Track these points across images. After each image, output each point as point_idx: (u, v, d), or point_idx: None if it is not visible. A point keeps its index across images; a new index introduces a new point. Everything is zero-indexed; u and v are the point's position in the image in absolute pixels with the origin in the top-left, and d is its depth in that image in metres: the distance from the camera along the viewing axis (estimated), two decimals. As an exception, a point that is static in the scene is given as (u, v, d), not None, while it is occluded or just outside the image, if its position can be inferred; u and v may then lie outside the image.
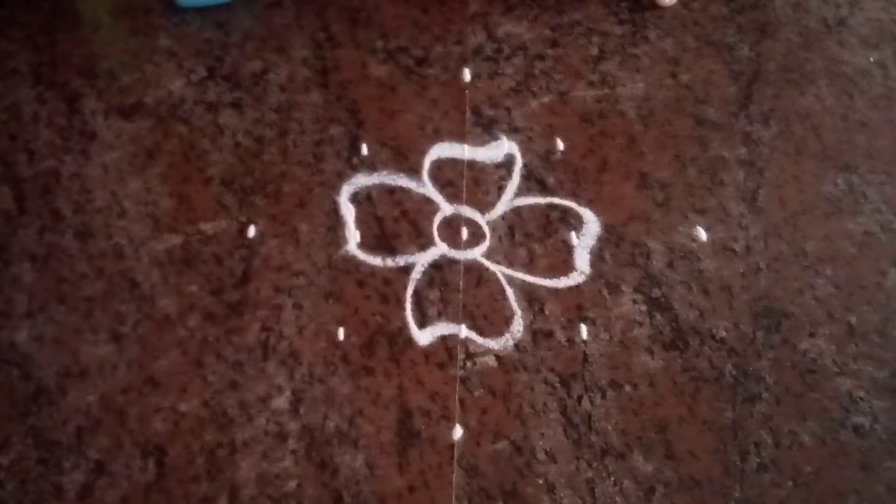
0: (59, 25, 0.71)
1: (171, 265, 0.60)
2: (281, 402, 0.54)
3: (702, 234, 0.62)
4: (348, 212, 0.62)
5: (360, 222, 0.62)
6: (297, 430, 0.53)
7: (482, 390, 0.55)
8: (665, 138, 0.67)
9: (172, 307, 0.58)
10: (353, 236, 0.61)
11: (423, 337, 0.57)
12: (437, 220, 0.62)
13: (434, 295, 0.59)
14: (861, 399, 0.55)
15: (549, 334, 0.57)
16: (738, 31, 0.73)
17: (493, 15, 0.74)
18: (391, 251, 0.61)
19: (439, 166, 0.65)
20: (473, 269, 0.60)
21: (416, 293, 0.59)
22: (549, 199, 0.63)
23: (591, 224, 0.62)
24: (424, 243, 0.61)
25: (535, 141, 0.66)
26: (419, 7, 0.74)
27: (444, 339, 0.57)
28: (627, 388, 0.55)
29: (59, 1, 0.73)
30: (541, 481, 0.52)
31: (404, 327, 0.57)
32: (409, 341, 0.57)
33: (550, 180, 0.64)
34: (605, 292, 0.59)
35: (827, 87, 0.70)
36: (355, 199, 0.63)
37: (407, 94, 0.69)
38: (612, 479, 0.52)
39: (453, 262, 0.60)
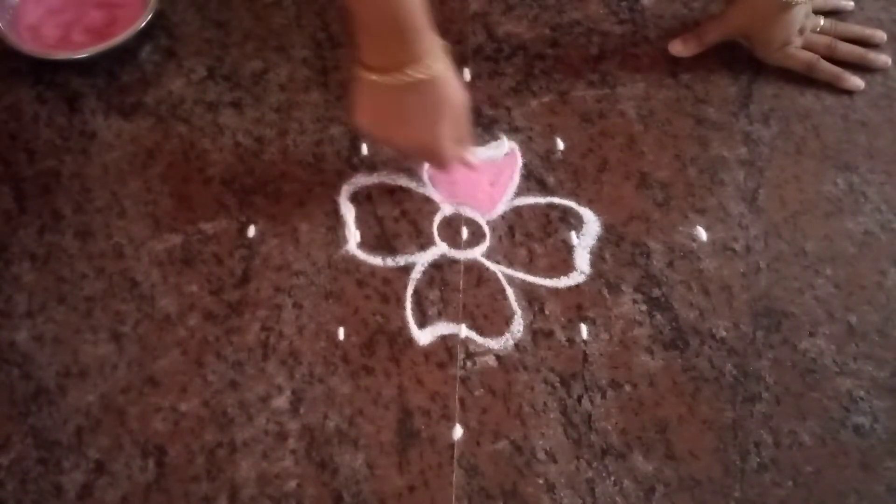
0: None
1: (171, 265, 0.60)
2: (281, 401, 0.54)
3: (702, 234, 0.62)
4: (348, 211, 0.62)
5: (360, 222, 0.62)
6: (297, 429, 0.53)
7: (482, 390, 0.55)
8: (665, 138, 0.67)
9: (172, 307, 0.58)
10: (353, 236, 0.61)
11: (423, 337, 0.57)
12: (437, 219, 0.62)
13: (434, 295, 0.59)
14: (861, 399, 0.55)
15: (549, 334, 0.57)
16: (738, 31, 0.72)
17: (493, 15, 0.74)
18: (391, 251, 0.61)
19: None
20: (473, 268, 0.60)
21: (416, 293, 0.59)
22: (549, 199, 0.63)
23: (592, 224, 0.62)
24: (424, 243, 0.61)
25: (536, 140, 0.66)
26: (419, 7, 0.74)
27: (444, 339, 0.57)
28: (627, 387, 0.55)
29: None
30: (541, 481, 0.52)
31: (404, 327, 0.57)
32: (409, 341, 0.57)
33: (550, 180, 0.64)
34: (605, 292, 0.59)
35: (827, 87, 0.70)
36: (355, 198, 0.63)
37: (407, 94, 0.68)
38: (613, 478, 0.52)
39: (453, 261, 0.60)
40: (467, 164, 0.60)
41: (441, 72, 0.52)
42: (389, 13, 0.49)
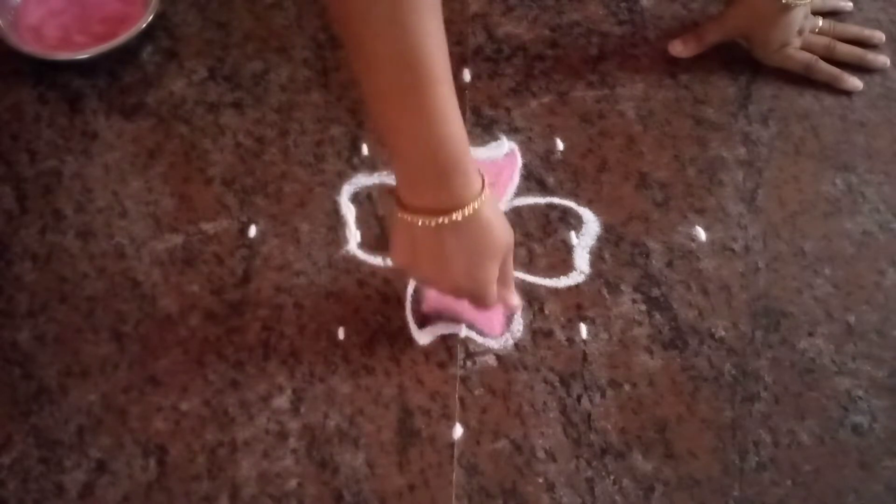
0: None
1: (172, 265, 0.60)
2: (282, 401, 0.54)
3: (701, 234, 0.62)
4: (349, 212, 0.63)
5: (361, 222, 0.62)
6: (297, 429, 0.53)
7: (482, 389, 0.55)
8: (664, 138, 0.67)
9: (173, 306, 0.58)
10: (353, 236, 0.61)
11: (423, 336, 0.57)
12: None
13: (434, 294, 0.59)
14: (860, 398, 0.55)
15: (549, 333, 0.57)
16: (737, 32, 0.73)
17: (492, 15, 0.74)
18: (391, 251, 0.61)
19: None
20: (473, 268, 0.60)
21: (416, 292, 0.59)
22: (548, 199, 0.64)
23: (591, 224, 0.62)
24: (424, 243, 0.61)
25: (535, 141, 0.67)
26: (419, 8, 0.74)
27: (443, 339, 0.57)
28: (627, 387, 0.55)
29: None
30: (540, 480, 0.52)
31: (404, 327, 0.57)
32: (410, 341, 0.57)
33: (550, 180, 0.65)
34: (604, 292, 0.59)
35: (826, 88, 0.70)
36: (356, 198, 0.63)
37: (407, 95, 0.69)
38: (612, 477, 0.52)
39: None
40: (510, 306, 0.55)
41: (486, 212, 0.46)
42: (432, 153, 0.44)
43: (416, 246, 0.48)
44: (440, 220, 0.45)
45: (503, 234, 0.49)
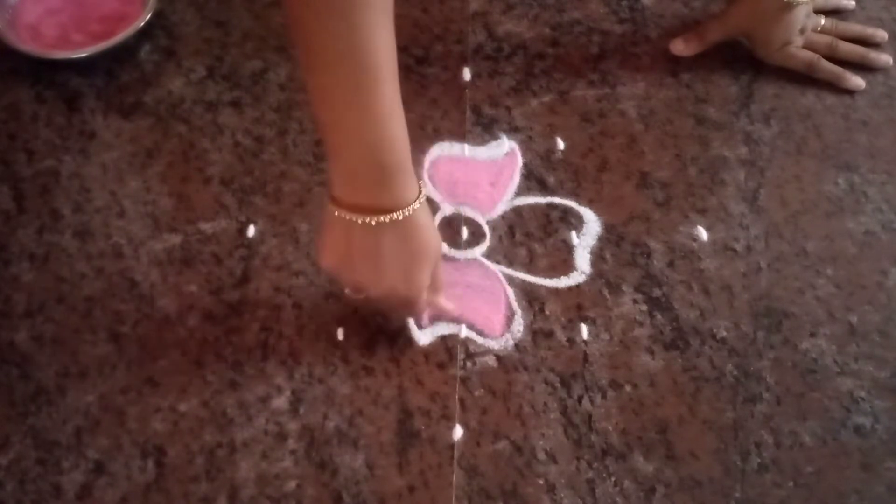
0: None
1: (170, 265, 0.60)
2: (280, 402, 0.54)
3: (702, 234, 0.62)
4: (348, 211, 0.62)
5: (360, 222, 0.62)
6: (296, 430, 0.53)
7: (482, 390, 0.55)
8: (665, 137, 0.67)
9: (172, 307, 0.58)
10: (352, 236, 0.61)
11: (423, 337, 0.57)
12: (437, 219, 0.62)
13: (434, 294, 0.59)
14: (862, 399, 0.55)
15: (550, 334, 0.57)
16: (738, 30, 0.72)
17: (493, 14, 0.74)
18: (391, 251, 0.60)
19: (439, 165, 0.65)
20: (473, 268, 0.60)
21: (416, 293, 0.59)
22: (549, 199, 0.63)
23: (592, 224, 0.62)
24: (424, 243, 0.61)
25: (536, 140, 0.66)
26: (419, 6, 0.74)
27: (444, 339, 0.57)
28: (628, 388, 0.55)
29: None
30: (541, 481, 0.52)
31: (404, 327, 0.57)
32: (409, 341, 0.57)
33: (551, 180, 0.64)
34: (605, 292, 0.59)
35: (828, 86, 0.70)
36: (355, 198, 0.63)
37: (407, 94, 0.67)
38: (613, 479, 0.52)
39: (453, 261, 0.60)
40: (445, 311, 0.55)
41: (423, 215, 0.47)
42: (375, 153, 0.44)
43: (351, 245, 0.47)
44: (380, 218, 0.45)
45: (436, 238, 0.49)
